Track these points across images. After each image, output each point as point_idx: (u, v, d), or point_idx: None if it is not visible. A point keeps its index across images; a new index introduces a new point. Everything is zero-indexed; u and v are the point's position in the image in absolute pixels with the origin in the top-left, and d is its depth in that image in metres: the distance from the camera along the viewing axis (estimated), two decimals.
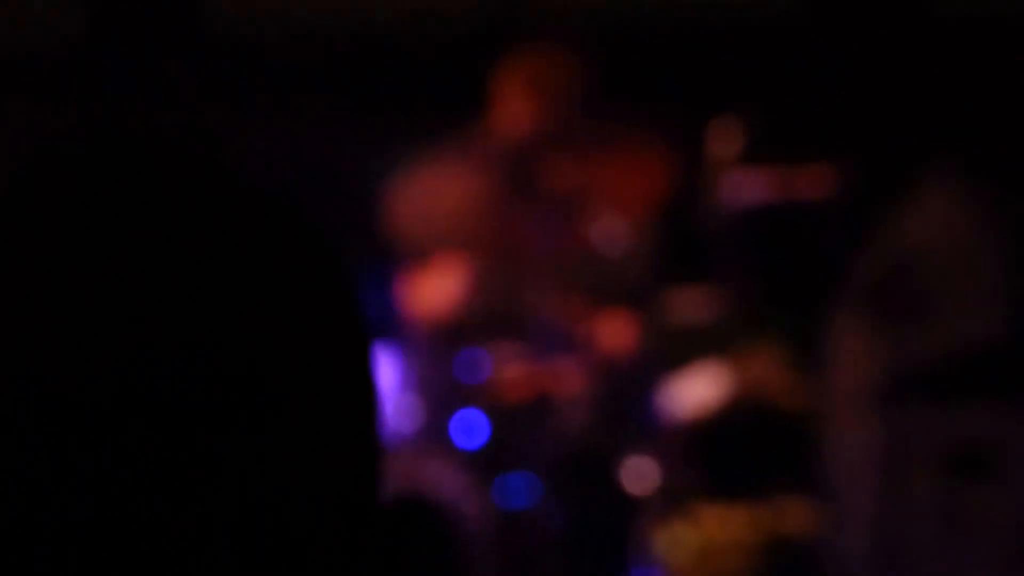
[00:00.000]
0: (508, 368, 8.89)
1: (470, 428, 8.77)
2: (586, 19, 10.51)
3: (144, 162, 1.81)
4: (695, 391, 9.62)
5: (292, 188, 10.09)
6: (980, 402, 8.77)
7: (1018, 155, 10.30)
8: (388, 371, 9.04)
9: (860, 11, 10.28)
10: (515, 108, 9.09)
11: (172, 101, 11.13)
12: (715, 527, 9.38)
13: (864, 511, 8.64)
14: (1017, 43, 11.69)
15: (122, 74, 10.95)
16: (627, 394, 9.05)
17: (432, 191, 8.98)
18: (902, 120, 10.08)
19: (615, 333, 9.08)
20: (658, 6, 12.14)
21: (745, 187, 9.53)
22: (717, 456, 9.64)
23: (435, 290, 9.22)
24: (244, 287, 1.74)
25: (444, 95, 9.92)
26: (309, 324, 1.77)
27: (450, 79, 9.96)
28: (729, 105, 9.61)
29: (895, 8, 10.65)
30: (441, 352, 8.99)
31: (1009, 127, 10.46)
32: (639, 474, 8.82)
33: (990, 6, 12.80)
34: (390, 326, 9.25)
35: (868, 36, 10.26)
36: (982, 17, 12.26)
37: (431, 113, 9.67)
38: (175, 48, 10.91)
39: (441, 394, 8.81)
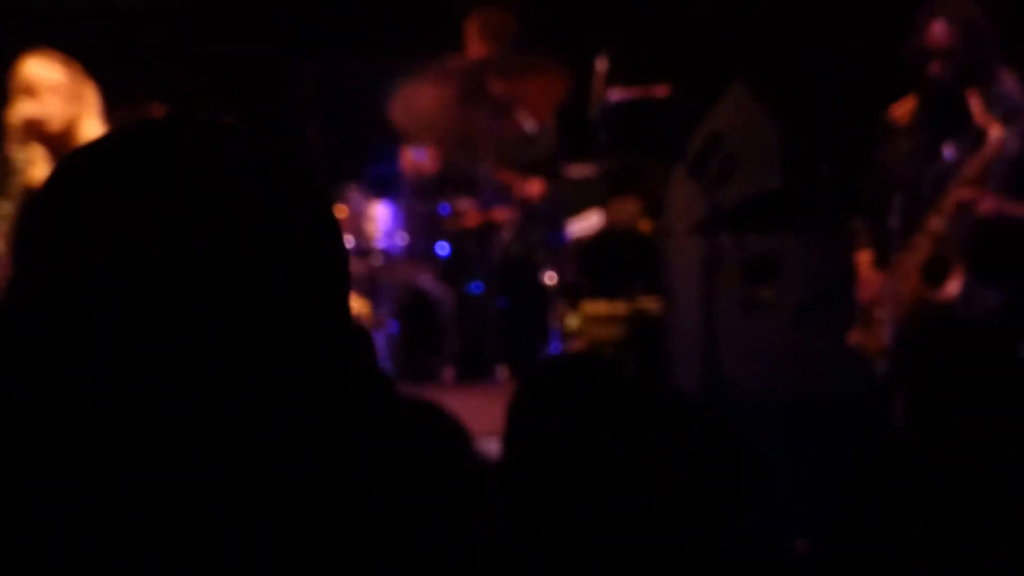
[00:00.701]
0: (465, 208, 9.38)
1: (441, 247, 9.30)
2: None
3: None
4: (583, 224, 10.15)
5: (336, 101, 10.21)
6: (763, 229, 9.30)
7: (786, 74, 10.21)
8: (390, 211, 9.27)
9: None
10: (473, 45, 9.56)
11: None
12: (596, 309, 9.83)
13: (690, 301, 9.14)
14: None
15: None
16: (540, 226, 9.52)
17: (417, 97, 9.38)
18: (715, 52, 10.46)
19: (533, 188, 9.57)
20: None
21: (617, 95, 10.03)
22: (597, 266, 10.02)
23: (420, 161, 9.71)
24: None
25: (427, 37, 10.02)
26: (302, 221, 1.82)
27: (432, 26, 10.19)
28: (607, 44, 9.90)
29: None
30: (424, 199, 9.45)
31: (781, 59, 10.31)
32: (549, 277, 9.33)
33: None
34: (393, 182, 9.64)
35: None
36: None
37: (419, 49, 9.81)
38: None
39: (423, 225, 9.29)
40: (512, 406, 3.44)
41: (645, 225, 10.17)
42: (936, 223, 7.85)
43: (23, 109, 7.40)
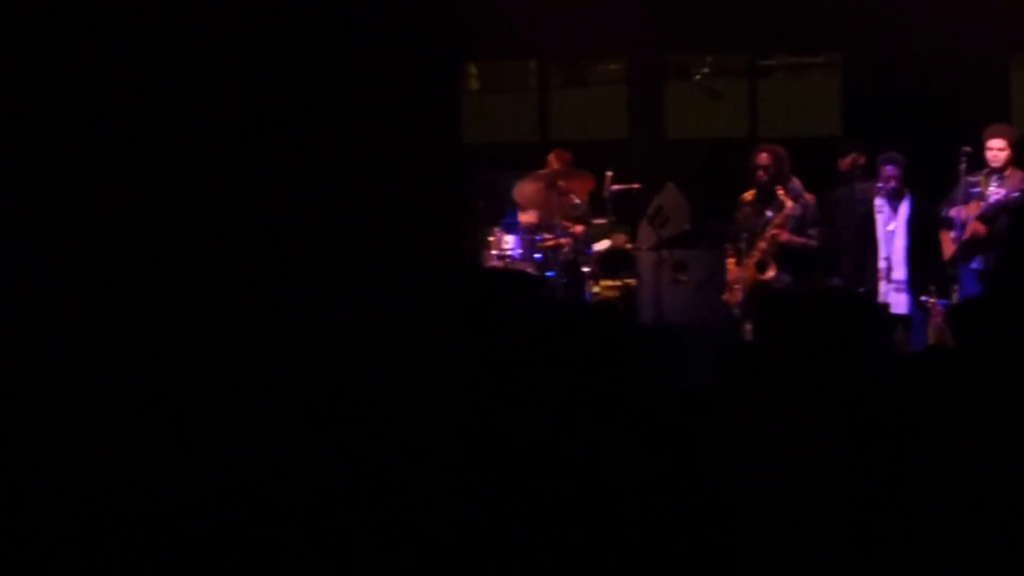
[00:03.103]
0: (548, 238, 9.13)
1: (537, 256, 9.11)
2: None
3: None
4: (600, 245, 9.65)
5: (492, 191, 9.60)
6: (682, 248, 9.02)
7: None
8: (514, 239, 9.05)
9: None
10: (551, 164, 9.47)
11: None
12: (605, 284, 9.56)
13: (648, 280, 9.01)
14: None
15: None
16: (581, 246, 9.29)
17: (526, 189, 9.20)
18: (656, 172, 9.96)
19: (578, 229, 9.31)
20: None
21: (615, 188, 9.32)
22: (605, 264, 9.72)
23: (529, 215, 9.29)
24: None
25: (529, 163, 9.77)
26: None
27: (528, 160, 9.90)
28: (610, 168, 9.40)
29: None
30: (529, 234, 9.20)
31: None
32: (585, 269, 9.20)
33: None
34: (515, 226, 9.28)
35: None
36: None
37: (525, 168, 9.56)
38: None
39: (528, 246, 9.08)
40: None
41: (628, 245, 9.82)
42: (762, 244, 8.18)
43: None
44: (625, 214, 9.72)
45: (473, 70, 14.02)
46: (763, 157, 8.16)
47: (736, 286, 8.24)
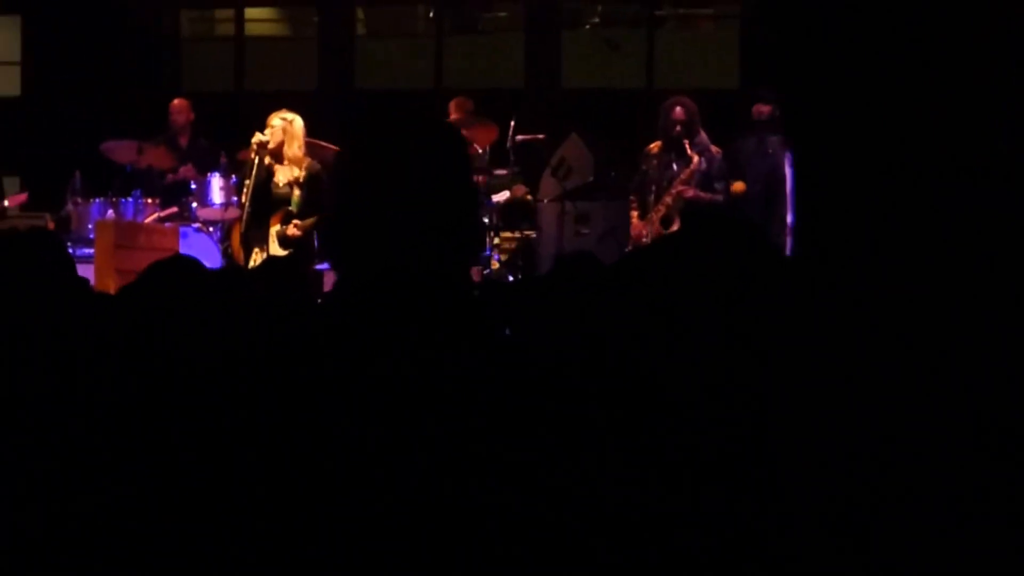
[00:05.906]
0: None
1: None
2: None
3: None
4: (501, 196, 9.15)
5: None
6: (584, 199, 9.03)
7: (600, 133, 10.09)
8: None
9: None
10: (452, 114, 9.10)
11: None
12: (506, 235, 9.36)
13: (550, 232, 9.02)
14: None
15: None
16: (483, 198, 8.84)
17: None
18: (562, 120, 10.15)
19: (480, 180, 8.80)
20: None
21: (519, 137, 9.12)
22: (508, 216, 9.41)
23: None
24: None
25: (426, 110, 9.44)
26: None
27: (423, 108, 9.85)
28: (516, 114, 9.19)
29: None
30: None
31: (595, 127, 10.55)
32: (487, 219, 8.87)
33: None
34: None
35: None
36: None
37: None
38: None
39: None
40: None
41: (528, 197, 9.53)
42: (667, 199, 8.00)
43: (257, 137, 7.09)
44: (528, 165, 9.46)
45: (360, 15, 13.55)
46: (679, 111, 8.04)
47: (641, 239, 8.05)
